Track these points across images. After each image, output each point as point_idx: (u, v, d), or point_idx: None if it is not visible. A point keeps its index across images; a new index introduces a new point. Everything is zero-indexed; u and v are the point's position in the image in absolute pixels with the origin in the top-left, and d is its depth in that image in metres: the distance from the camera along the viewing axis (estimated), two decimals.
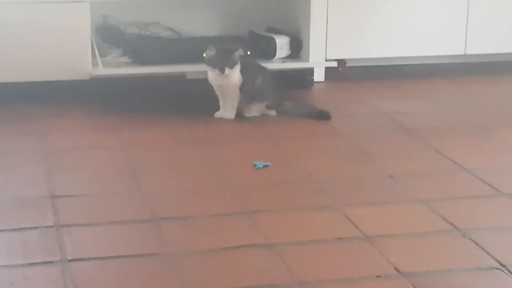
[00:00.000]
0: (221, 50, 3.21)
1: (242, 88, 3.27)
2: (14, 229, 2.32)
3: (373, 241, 2.26)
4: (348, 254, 2.21)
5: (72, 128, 3.22)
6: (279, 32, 3.79)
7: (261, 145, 3.03)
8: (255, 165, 2.81)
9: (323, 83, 3.87)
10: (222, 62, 3.19)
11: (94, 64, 3.50)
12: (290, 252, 2.20)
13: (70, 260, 2.14)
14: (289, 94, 3.50)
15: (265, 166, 2.81)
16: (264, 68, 3.41)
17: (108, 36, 3.71)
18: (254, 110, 3.32)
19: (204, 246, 2.24)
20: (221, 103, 3.31)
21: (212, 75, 3.24)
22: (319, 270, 2.12)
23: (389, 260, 2.15)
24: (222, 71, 3.19)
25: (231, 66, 3.21)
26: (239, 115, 3.30)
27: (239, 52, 3.22)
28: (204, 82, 3.31)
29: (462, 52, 3.97)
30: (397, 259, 2.16)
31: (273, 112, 3.34)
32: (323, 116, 3.30)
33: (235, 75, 3.25)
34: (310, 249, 2.23)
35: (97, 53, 3.51)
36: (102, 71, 3.49)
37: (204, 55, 3.22)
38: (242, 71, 3.26)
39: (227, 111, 3.29)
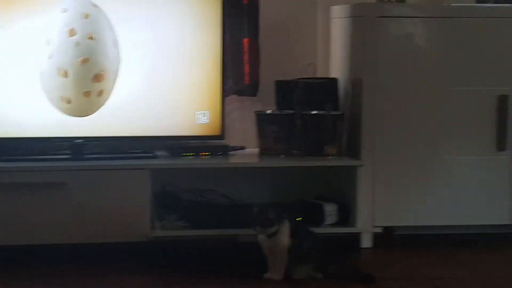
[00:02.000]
0: (263, 211, 3.41)
1: (290, 251, 3.44)
2: None
3: None
4: None
5: (130, 286, 3.40)
6: (328, 200, 3.98)
7: None
8: None
9: (371, 249, 4.01)
10: (264, 224, 3.39)
11: (152, 227, 3.73)
12: None
13: None
14: (336, 259, 3.65)
15: None
16: (312, 232, 3.59)
17: (166, 202, 3.95)
18: (302, 272, 3.47)
19: None
20: (269, 264, 3.47)
21: (262, 238, 3.43)
22: None
23: None
24: (265, 231, 3.38)
25: (271, 226, 3.39)
26: (287, 276, 3.45)
27: (280, 213, 3.41)
28: (254, 245, 3.48)
29: (507, 222, 4.10)
30: None
31: (319, 275, 3.49)
32: (366, 279, 3.44)
33: (284, 238, 3.43)
34: None
35: (155, 217, 3.75)
36: (159, 233, 3.71)
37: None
38: (291, 234, 3.45)
39: (275, 272, 3.45)
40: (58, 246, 3.69)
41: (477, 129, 4.03)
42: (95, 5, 3.80)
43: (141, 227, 3.69)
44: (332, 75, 4.23)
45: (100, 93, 3.83)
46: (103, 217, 3.67)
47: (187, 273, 3.57)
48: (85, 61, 3.79)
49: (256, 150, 4.08)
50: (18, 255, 3.70)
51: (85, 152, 3.83)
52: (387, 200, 3.98)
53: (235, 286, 3.38)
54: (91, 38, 3.80)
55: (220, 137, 3.97)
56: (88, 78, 3.81)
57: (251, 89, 4.19)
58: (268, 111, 4.05)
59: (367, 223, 3.96)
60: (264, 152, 4.03)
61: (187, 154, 3.95)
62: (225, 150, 4.01)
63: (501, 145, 4.03)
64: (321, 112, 4.00)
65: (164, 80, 3.89)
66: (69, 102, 3.80)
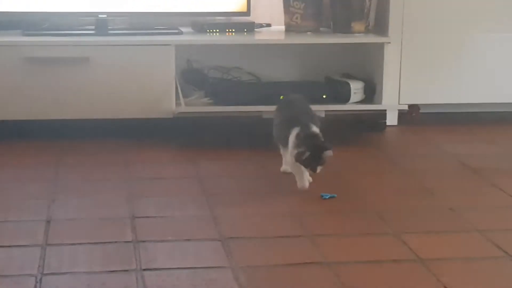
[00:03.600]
0: (315, 151, 3.05)
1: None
2: (96, 243, 2.53)
3: (426, 263, 2.39)
4: (401, 273, 2.35)
5: (153, 160, 3.44)
6: (354, 78, 3.96)
7: (328, 179, 3.18)
8: (322, 196, 2.98)
9: (396, 127, 4.02)
10: (315, 163, 3.09)
11: (178, 103, 3.74)
12: (347, 270, 2.35)
13: (144, 269, 2.34)
14: (362, 137, 3.66)
15: (331, 197, 2.97)
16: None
17: (191, 79, 3.95)
18: None
19: (267, 262, 2.41)
20: None
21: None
22: (372, 286, 2.26)
23: (440, 279, 2.28)
24: (314, 171, 3.11)
25: (323, 164, 3.12)
26: None
27: (329, 152, 3.07)
28: None
29: None
30: (448, 280, 2.28)
31: None
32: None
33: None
34: (366, 268, 2.38)
35: (180, 94, 3.75)
36: (184, 109, 3.72)
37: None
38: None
39: None
40: (81, 121, 3.71)
41: (509, 6, 3.95)
42: None
43: (166, 104, 3.70)
44: None
45: None
46: (127, 93, 3.68)
47: (212, 149, 3.60)
48: None
49: (282, 27, 4.04)
50: (42, 129, 3.74)
51: (109, 27, 3.80)
52: (413, 77, 3.96)
53: (257, 160, 3.41)
54: None
55: (246, 13, 3.92)
56: None
57: None
58: None
59: (392, 100, 3.94)
60: (291, 29, 3.99)
61: (213, 31, 3.91)
62: (251, 27, 3.97)
63: None
64: None
65: None
66: None
